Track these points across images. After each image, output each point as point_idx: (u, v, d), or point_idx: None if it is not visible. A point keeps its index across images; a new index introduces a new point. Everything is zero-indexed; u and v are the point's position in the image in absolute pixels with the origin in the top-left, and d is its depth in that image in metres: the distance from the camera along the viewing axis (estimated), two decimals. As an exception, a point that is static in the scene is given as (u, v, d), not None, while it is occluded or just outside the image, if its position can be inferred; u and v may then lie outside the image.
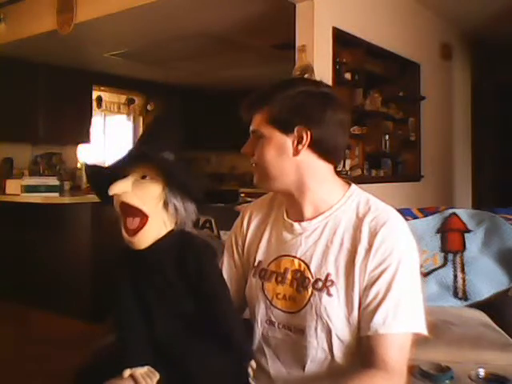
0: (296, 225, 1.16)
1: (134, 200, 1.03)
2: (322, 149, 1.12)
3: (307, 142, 1.10)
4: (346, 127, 1.17)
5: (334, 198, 1.15)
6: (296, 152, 1.10)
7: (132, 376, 1.02)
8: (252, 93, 1.16)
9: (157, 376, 1.03)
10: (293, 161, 1.11)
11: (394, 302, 1.03)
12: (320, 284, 1.09)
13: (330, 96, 1.13)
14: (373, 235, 1.07)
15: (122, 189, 1.02)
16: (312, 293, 1.09)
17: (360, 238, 1.08)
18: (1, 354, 3.01)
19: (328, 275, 1.09)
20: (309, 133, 1.09)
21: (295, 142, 1.10)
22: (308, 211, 1.15)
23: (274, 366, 1.15)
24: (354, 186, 1.19)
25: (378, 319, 1.02)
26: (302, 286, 1.11)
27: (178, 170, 1.08)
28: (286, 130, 1.10)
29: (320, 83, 1.17)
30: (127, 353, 1.05)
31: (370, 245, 1.07)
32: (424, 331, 1.06)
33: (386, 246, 1.06)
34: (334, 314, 1.07)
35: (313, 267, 1.11)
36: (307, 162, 1.12)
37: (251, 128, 1.15)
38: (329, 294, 1.07)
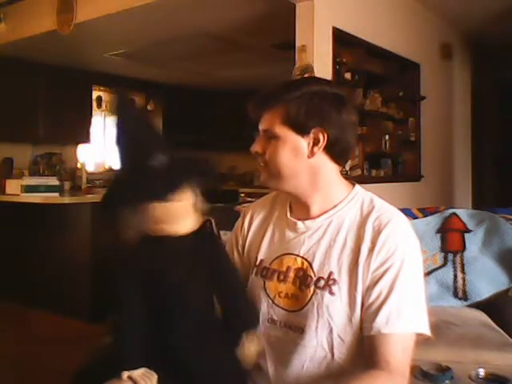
0: (300, 223, 1.16)
1: (174, 228, 1.04)
2: (335, 151, 1.12)
3: (323, 145, 1.10)
4: (357, 128, 1.18)
5: (339, 197, 1.15)
6: (311, 154, 1.10)
7: (130, 378, 1.02)
8: (262, 91, 1.15)
9: (155, 376, 1.03)
10: (306, 162, 1.11)
11: (397, 302, 1.03)
12: (322, 282, 1.09)
13: (344, 97, 1.13)
14: (376, 234, 1.08)
15: None
16: (314, 291, 1.09)
17: (363, 237, 1.09)
18: (0, 354, 3.01)
19: (330, 274, 1.09)
20: (325, 135, 1.09)
21: (311, 144, 1.10)
22: (313, 210, 1.16)
23: (274, 365, 1.15)
24: (358, 186, 1.19)
25: (381, 319, 1.02)
26: (305, 284, 1.11)
27: (187, 174, 1.06)
28: (302, 131, 1.10)
29: (331, 82, 1.17)
30: (124, 355, 1.03)
31: (373, 244, 1.07)
32: (427, 331, 1.05)
33: (389, 245, 1.06)
34: (335, 312, 1.07)
35: (315, 266, 1.11)
36: (320, 164, 1.12)
37: (262, 127, 1.14)
38: (331, 293, 1.07)
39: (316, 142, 1.10)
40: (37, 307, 3.81)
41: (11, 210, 4.12)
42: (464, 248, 2.05)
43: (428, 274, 2.00)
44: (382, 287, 1.04)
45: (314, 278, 1.10)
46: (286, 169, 1.11)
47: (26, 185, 3.96)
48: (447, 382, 1.28)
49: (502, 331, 1.71)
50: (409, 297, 1.04)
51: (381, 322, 1.02)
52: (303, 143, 1.10)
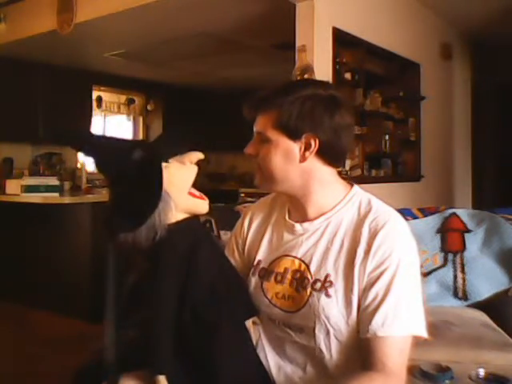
0: (297, 225, 1.17)
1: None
2: (328, 155, 1.12)
3: (315, 149, 1.09)
4: (352, 130, 1.17)
5: (336, 199, 1.15)
6: (303, 159, 1.10)
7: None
8: (257, 92, 1.15)
9: None
10: (298, 167, 1.11)
11: (393, 305, 1.02)
12: (319, 285, 1.09)
13: (338, 99, 1.12)
14: (372, 236, 1.07)
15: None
16: (311, 293, 1.09)
17: (360, 238, 1.08)
18: (1, 354, 3.01)
19: (327, 276, 1.09)
20: (317, 140, 1.09)
21: (302, 149, 1.10)
22: (311, 212, 1.16)
23: (274, 363, 1.16)
24: (356, 187, 1.19)
25: (376, 321, 1.02)
26: (301, 286, 1.11)
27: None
28: (294, 136, 1.09)
29: (327, 84, 1.15)
30: (163, 355, 1.00)
31: (369, 246, 1.07)
32: (424, 334, 1.05)
33: (386, 247, 1.06)
34: (332, 314, 1.06)
35: (313, 268, 1.11)
36: (313, 168, 1.12)
37: (256, 129, 1.14)
38: (327, 295, 1.07)
39: (307, 147, 1.09)
40: (37, 307, 3.81)
41: (11, 210, 4.12)
42: (464, 248, 2.05)
43: (428, 273, 2.00)
44: (377, 289, 1.04)
45: (311, 280, 1.10)
46: (277, 172, 1.11)
47: (26, 185, 3.95)
48: (447, 381, 1.28)
49: (502, 331, 1.71)
50: (405, 299, 1.04)
51: (377, 325, 1.02)
52: (295, 148, 1.10)
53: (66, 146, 1.17)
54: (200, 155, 1.12)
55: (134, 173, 1.04)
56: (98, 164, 1.09)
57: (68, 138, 1.17)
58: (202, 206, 1.12)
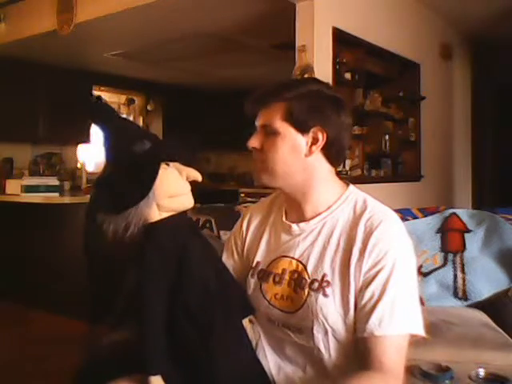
0: (294, 226, 1.17)
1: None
2: (331, 151, 1.12)
3: (322, 144, 1.10)
4: (352, 131, 1.19)
5: (332, 198, 1.16)
6: (309, 153, 1.10)
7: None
8: (261, 87, 1.15)
9: None
10: (303, 161, 1.11)
11: (390, 304, 1.02)
12: (316, 285, 1.09)
13: (341, 99, 1.14)
14: (368, 236, 1.07)
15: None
16: (308, 293, 1.09)
17: (355, 238, 1.08)
18: (1, 354, 3.01)
19: (324, 276, 1.09)
20: (324, 134, 1.09)
21: (309, 143, 1.10)
22: (307, 212, 1.16)
23: (274, 364, 1.16)
24: (351, 186, 1.19)
25: (373, 321, 1.02)
26: (299, 286, 1.11)
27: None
28: (303, 129, 1.10)
29: (329, 86, 1.17)
30: (150, 355, 0.99)
31: (365, 245, 1.06)
32: (421, 332, 1.05)
33: (381, 246, 1.06)
34: (329, 314, 1.07)
35: (310, 268, 1.11)
36: (315, 164, 1.12)
37: (261, 122, 1.14)
38: (325, 295, 1.07)
39: (315, 141, 1.10)
40: (37, 307, 3.81)
41: (11, 210, 4.12)
42: (464, 248, 2.05)
43: (428, 273, 2.01)
44: (374, 289, 1.04)
45: (309, 281, 1.10)
46: (281, 165, 1.11)
47: (26, 185, 3.96)
48: (447, 382, 1.28)
49: (502, 331, 1.71)
50: (401, 298, 1.04)
51: (374, 324, 1.02)
52: (302, 141, 1.10)
53: (90, 114, 1.15)
54: (198, 177, 1.12)
55: (128, 163, 1.03)
56: (103, 141, 1.09)
57: (93, 107, 1.16)
58: (187, 201, 1.11)
